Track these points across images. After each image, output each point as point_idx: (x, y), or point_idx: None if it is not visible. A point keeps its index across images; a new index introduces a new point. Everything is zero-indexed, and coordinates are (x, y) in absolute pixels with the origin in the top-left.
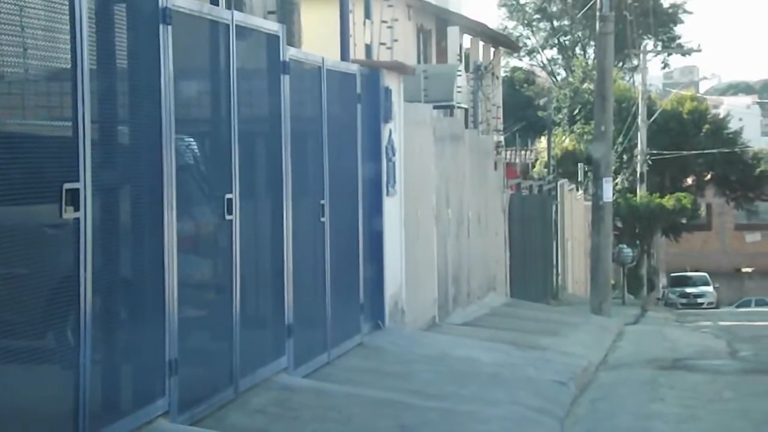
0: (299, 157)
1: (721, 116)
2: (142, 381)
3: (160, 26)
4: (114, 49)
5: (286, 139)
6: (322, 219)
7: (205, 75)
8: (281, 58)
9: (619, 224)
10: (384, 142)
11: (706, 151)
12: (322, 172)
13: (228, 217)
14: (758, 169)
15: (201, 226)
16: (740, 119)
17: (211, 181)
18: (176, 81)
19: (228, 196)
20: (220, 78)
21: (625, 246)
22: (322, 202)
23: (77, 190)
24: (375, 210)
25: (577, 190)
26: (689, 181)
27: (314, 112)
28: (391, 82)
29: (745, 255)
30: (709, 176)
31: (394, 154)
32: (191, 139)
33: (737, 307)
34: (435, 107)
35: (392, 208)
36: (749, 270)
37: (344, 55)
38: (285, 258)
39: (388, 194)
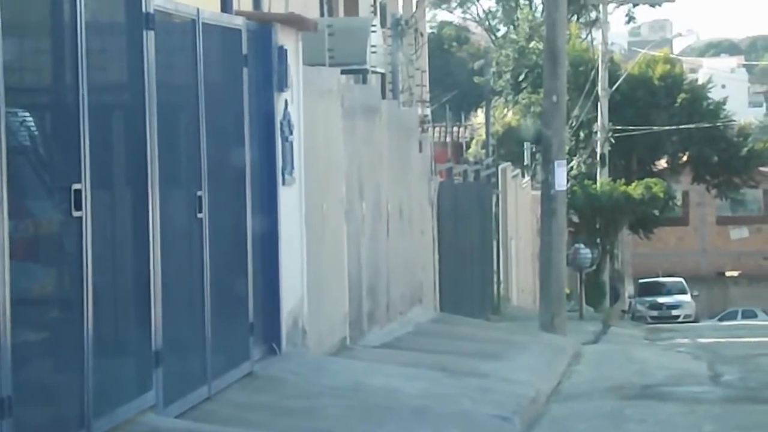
0: (169, 135)
1: (700, 82)
2: None
3: None
4: None
5: (151, 113)
6: (200, 215)
7: (43, 30)
8: (143, 9)
9: (576, 219)
10: (278, 117)
11: (681, 127)
12: (198, 156)
13: (76, 214)
14: (745, 148)
15: (41, 226)
16: (723, 86)
17: (53, 167)
18: (3, 38)
19: (76, 186)
20: (64, 34)
21: (582, 246)
22: (199, 193)
23: None
24: (267, 203)
25: (523, 176)
26: (661, 163)
27: (187, 79)
28: (287, 40)
29: (729, 255)
30: (685, 157)
31: (291, 132)
32: (26, 114)
33: (720, 320)
34: (343, 72)
35: (290, 200)
36: (734, 274)
37: (226, 5)
38: (151, 265)
39: (284, 183)
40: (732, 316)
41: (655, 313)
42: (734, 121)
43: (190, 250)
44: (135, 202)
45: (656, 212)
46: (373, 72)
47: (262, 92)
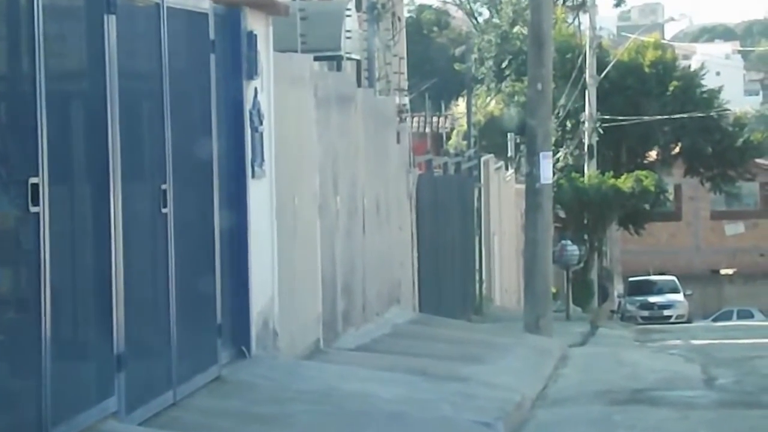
0: (131, 126)
1: (693, 69)
2: None
3: None
4: None
5: (112, 103)
6: (164, 210)
7: None
8: None
9: (562, 214)
10: (248, 106)
11: (673, 116)
12: (162, 147)
13: (33, 209)
14: (740, 139)
15: None
16: (717, 73)
17: (8, 160)
18: None
19: (33, 180)
20: (19, 18)
21: (569, 242)
22: (163, 187)
23: None
24: (236, 197)
25: (507, 168)
26: (652, 155)
27: (151, 66)
28: (257, 24)
29: (724, 252)
30: (677, 149)
31: (261, 123)
32: None
33: (715, 320)
34: (317, 59)
35: (260, 194)
36: (730, 272)
37: None
38: (113, 264)
39: (254, 176)
40: (727, 316)
41: (645, 313)
42: (729, 110)
43: (154, 247)
44: (95, 197)
45: (647, 206)
46: (348, 59)
47: (231, 80)
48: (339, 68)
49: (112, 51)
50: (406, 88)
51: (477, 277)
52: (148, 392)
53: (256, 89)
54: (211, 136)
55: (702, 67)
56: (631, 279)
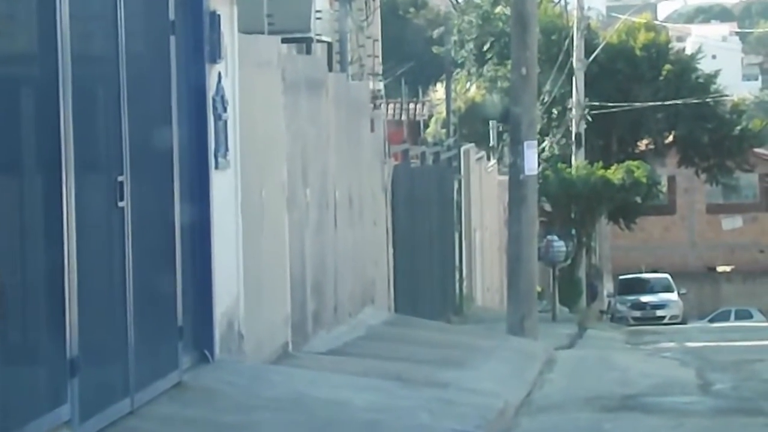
0: (85, 113)
1: (688, 52)
2: None
3: None
4: None
5: (65, 88)
6: (121, 204)
7: None
8: None
9: (548, 207)
10: (210, 92)
11: (667, 103)
12: (119, 136)
13: None
14: (738, 127)
15: None
16: (714, 56)
17: None
18: None
19: None
20: None
21: (556, 238)
22: (120, 179)
23: None
24: (198, 190)
25: (489, 158)
26: (644, 144)
27: (106, 49)
28: (220, 4)
29: (721, 247)
30: (671, 137)
31: (225, 110)
32: None
33: (711, 321)
34: (285, 41)
35: (224, 186)
36: (727, 269)
37: None
38: (65, 261)
39: (217, 167)
40: (724, 316)
41: (637, 313)
42: (726, 96)
43: (110, 243)
44: (46, 190)
45: (638, 199)
46: (319, 41)
47: (192, 64)
48: (309, 51)
49: (64, 33)
50: (381, 72)
51: (457, 276)
52: (103, 399)
53: (219, 74)
54: (171, 124)
55: (697, 50)
56: (621, 277)
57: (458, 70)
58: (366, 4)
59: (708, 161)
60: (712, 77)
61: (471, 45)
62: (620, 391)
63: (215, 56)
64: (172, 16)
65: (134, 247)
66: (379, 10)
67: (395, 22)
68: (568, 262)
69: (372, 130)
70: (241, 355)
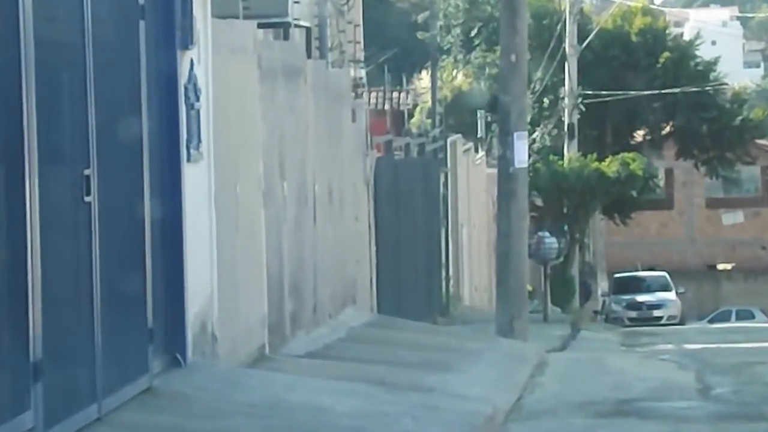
0: (50, 103)
1: (686, 38)
2: None
3: None
4: None
5: (28, 76)
6: (87, 198)
7: None
8: None
9: (539, 201)
10: (182, 80)
11: (664, 91)
12: (85, 127)
13: None
14: (739, 117)
15: None
16: (714, 42)
17: None
18: None
19: None
20: None
21: (547, 234)
22: (86, 172)
23: None
24: (169, 184)
25: (477, 150)
26: (640, 135)
27: (72, 34)
28: None
29: (721, 244)
30: (669, 128)
31: (198, 99)
32: None
33: (711, 321)
34: (261, 26)
35: (196, 180)
36: (728, 267)
37: None
38: (29, 260)
39: (189, 160)
40: (725, 317)
41: (633, 314)
42: (727, 84)
43: (76, 240)
44: (8, 184)
45: (634, 193)
46: (297, 26)
47: (163, 50)
48: (286, 37)
49: (27, 17)
50: (363, 59)
51: (443, 274)
52: (69, 405)
53: (191, 61)
54: (140, 114)
55: (696, 36)
56: (616, 275)
57: (444, 56)
58: None
59: (707, 153)
60: (711, 64)
61: (458, 30)
62: (615, 396)
63: (187, 42)
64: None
65: (101, 244)
66: None
67: (377, 6)
68: (561, 259)
69: (353, 120)
70: (215, 359)
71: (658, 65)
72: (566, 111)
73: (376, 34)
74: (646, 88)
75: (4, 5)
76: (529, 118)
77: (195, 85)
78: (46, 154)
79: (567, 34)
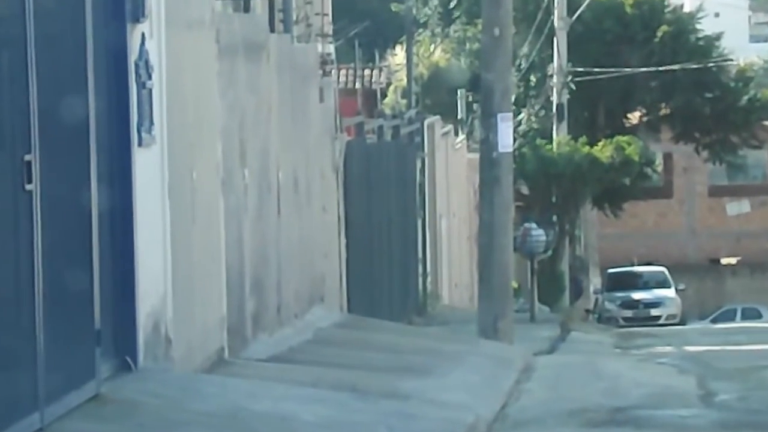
0: None
1: (687, 10)
2: None
3: None
4: None
5: None
6: (29, 187)
7: None
8: None
9: (525, 190)
10: (133, 56)
11: (662, 68)
12: (26, 108)
13: None
14: (745, 97)
15: None
16: (717, 15)
17: None
18: None
19: None
20: None
21: (534, 226)
22: (27, 158)
23: None
24: (119, 170)
25: (457, 134)
26: (636, 117)
27: (10, 6)
28: None
29: (725, 236)
30: (667, 109)
31: (149, 77)
32: None
33: (714, 321)
34: None
35: (148, 166)
36: (732, 261)
37: None
38: None
39: (140, 144)
40: (729, 316)
41: (628, 313)
42: (731, 60)
43: (16, 232)
44: None
45: (627, 181)
46: None
47: (111, 23)
48: (247, 9)
49: None
50: (332, 33)
51: (420, 270)
52: (8, 414)
53: (143, 35)
54: (86, 93)
55: (698, 8)
56: (610, 271)
57: (421, 30)
58: None
59: (710, 136)
60: (714, 39)
61: (435, 1)
62: (609, 403)
63: (138, 14)
64: None
65: (44, 237)
66: None
67: None
68: (549, 253)
69: (321, 100)
70: (168, 363)
71: (656, 40)
72: (555, 90)
73: (346, 5)
74: (642, 65)
75: None
76: (514, 98)
77: (146, 61)
78: None
79: (556, 5)
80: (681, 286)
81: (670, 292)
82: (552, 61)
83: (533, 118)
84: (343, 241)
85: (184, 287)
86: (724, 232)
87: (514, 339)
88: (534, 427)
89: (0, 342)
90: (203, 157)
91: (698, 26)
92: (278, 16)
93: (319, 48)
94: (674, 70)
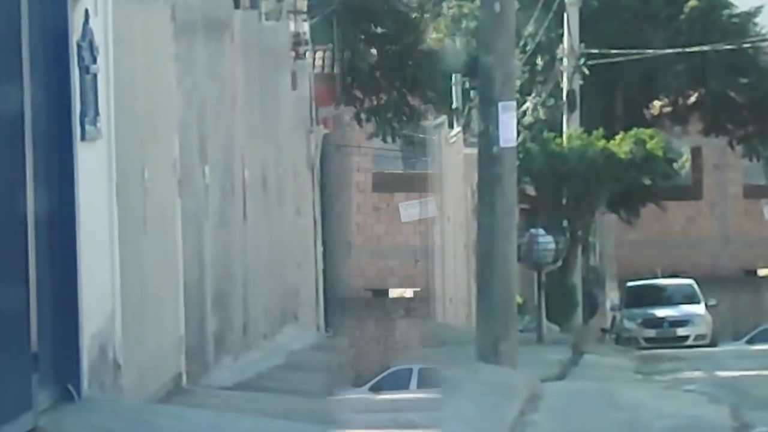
0: None
1: None
2: None
3: None
4: None
5: None
6: None
7: None
8: None
9: (531, 190)
10: (75, 36)
11: (689, 50)
12: None
13: None
14: None
15: None
16: None
17: None
18: None
19: None
20: None
21: (542, 232)
22: None
23: None
24: (59, 169)
25: (451, 126)
26: (659, 106)
27: None
28: None
29: (763, 244)
30: (695, 97)
31: (94, 60)
32: None
33: (750, 342)
34: None
35: (93, 164)
36: None
37: None
38: None
39: (84, 138)
40: (767, 336)
41: (651, 332)
42: None
43: None
44: None
45: (647, 181)
46: None
47: None
48: None
49: None
50: (306, 10)
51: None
52: None
53: (86, 11)
54: (21, 79)
55: None
56: (630, 284)
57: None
58: None
59: (745, 128)
60: (750, 15)
61: None
62: None
63: None
64: None
65: None
66: None
67: None
68: (559, 264)
69: (294, 87)
70: (117, 391)
71: (682, 16)
72: (565, 75)
73: None
74: (666, 45)
75: None
76: (518, 85)
77: (91, 42)
78: None
79: None
80: (712, 302)
81: (699, 309)
82: (562, 41)
83: (540, 108)
84: (320, 248)
85: (134, 305)
86: (762, 240)
87: (518, 363)
88: None
89: None
90: (157, 153)
91: (732, 1)
92: None
93: (292, 27)
94: (704, 52)
